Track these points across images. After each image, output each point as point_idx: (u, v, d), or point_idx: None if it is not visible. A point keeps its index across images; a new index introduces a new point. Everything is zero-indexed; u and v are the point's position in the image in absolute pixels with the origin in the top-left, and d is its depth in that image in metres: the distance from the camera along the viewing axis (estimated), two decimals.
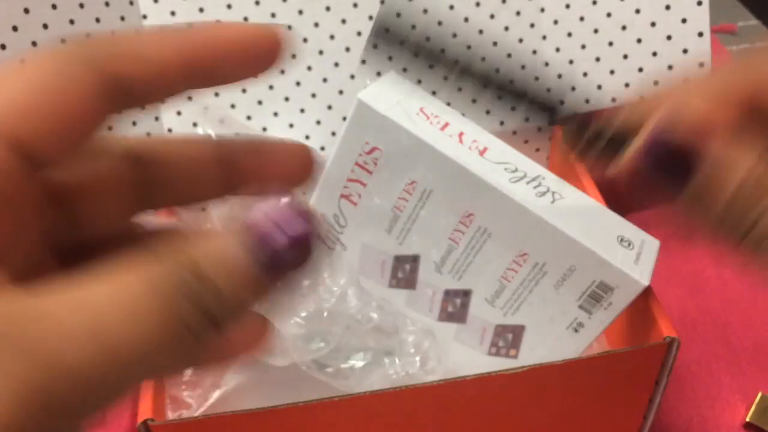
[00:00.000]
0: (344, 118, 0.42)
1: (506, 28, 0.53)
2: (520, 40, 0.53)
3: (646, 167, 0.21)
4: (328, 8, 0.51)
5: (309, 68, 0.52)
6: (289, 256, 0.16)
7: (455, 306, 0.44)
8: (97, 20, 0.48)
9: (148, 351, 0.15)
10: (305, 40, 0.52)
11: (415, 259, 0.44)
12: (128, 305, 0.15)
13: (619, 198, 0.48)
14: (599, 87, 0.53)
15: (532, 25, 0.53)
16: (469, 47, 0.53)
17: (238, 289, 0.16)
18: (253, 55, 0.19)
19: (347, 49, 0.52)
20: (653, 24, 0.51)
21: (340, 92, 0.53)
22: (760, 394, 0.49)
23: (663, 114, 0.21)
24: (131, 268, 0.16)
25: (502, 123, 0.55)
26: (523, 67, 0.54)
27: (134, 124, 0.50)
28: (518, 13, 0.53)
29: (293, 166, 0.20)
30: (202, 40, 0.19)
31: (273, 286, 0.16)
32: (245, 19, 0.51)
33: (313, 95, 0.53)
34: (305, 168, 0.20)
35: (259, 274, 0.16)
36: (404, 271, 0.45)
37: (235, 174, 0.20)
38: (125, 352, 0.15)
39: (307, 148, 0.20)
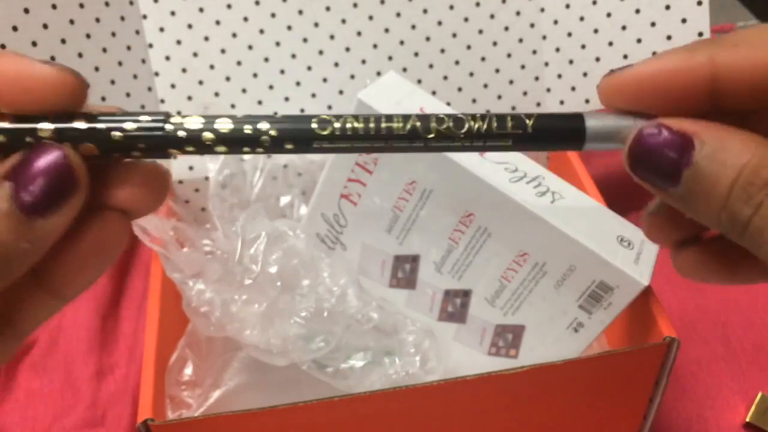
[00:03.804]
0: None
1: (506, 28, 0.53)
2: (520, 40, 0.53)
3: (635, 172, 0.21)
4: (328, 8, 0.51)
5: (309, 68, 0.52)
6: (41, 197, 0.19)
7: (455, 306, 0.44)
8: (97, 20, 0.48)
9: None
10: (305, 40, 0.52)
11: (415, 259, 0.44)
12: None
13: (614, 193, 0.48)
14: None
15: (532, 25, 0.53)
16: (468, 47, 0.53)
17: (5, 229, 0.19)
18: (33, 93, 0.20)
19: (347, 49, 0.52)
20: (653, 24, 0.51)
21: (340, 92, 0.53)
22: (760, 394, 0.49)
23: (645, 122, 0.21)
24: None
25: None
26: (522, 67, 0.54)
27: None
28: (518, 13, 0.53)
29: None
30: None
31: (40, 223, 0.20)
32: (245, 19, 0.51)
33: (313, 95, 0.53)
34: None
35: (22, 215, 0.19)
36: (404, 271, 0.45)
37: None
38: None
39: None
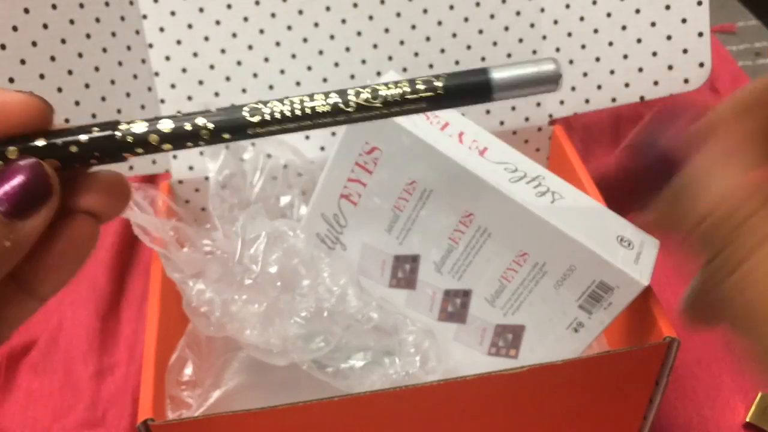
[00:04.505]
0: None
1: (506, 28, 0.53)
2: (520, 40, 0.53)
3: (632, 160, 0.22)
4: (328, 8, 0.51)
5: (309, 68, 0.52)
6: (19, 202, 0.22)
7: (455, 306, 0.44)
8: (97, 20, 0.48)
9: None
10: (305, 40, 0.52)
11: (415, 259, 0.44)
12: None
13: (614, 193, 0.48)
14: (599, 87, 0.53)
15: (532, 25, 0.53)
16: (468, 47, 0.53)
17: None
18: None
19: (347, 49, 0.52)
20: (653, 24, 0.51)
21: None
22: (760, 394, 0.49)
23: (659, 111, 0.22)
24: None
25: (502, 123, 0.55)
26: None
27: None
28: (518, 13, 0.53)
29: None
30: None
31: (19, 225, 0.22)
32: (245, 19, 0.51)
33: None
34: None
35: (3, 218, 0.21)
36: (404, 271, 0.45)
37: None
38: None
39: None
